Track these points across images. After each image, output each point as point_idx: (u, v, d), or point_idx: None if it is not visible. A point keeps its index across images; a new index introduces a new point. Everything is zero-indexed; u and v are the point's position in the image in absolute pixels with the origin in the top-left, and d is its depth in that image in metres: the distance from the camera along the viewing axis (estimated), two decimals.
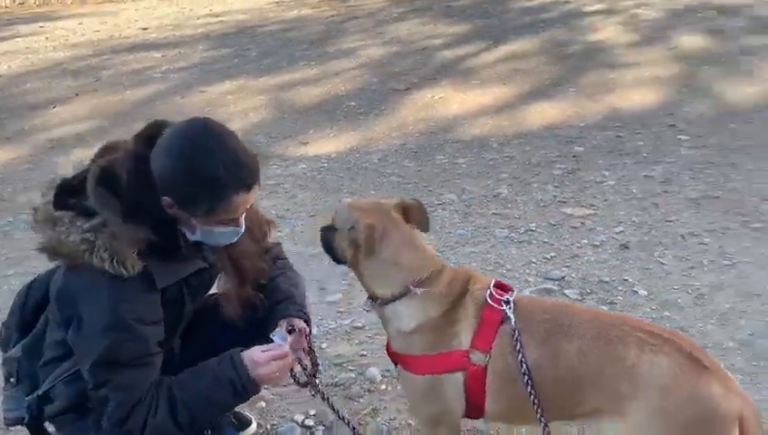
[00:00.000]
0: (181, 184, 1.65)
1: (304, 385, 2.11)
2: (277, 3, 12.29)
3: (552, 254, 3.70)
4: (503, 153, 5.31)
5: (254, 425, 2.42)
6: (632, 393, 1.57)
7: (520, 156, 5.22)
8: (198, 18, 11.71)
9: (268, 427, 2.45)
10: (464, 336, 1.77)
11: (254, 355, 1.77)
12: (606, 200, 4.35)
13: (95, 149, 1.80)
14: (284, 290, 2.09)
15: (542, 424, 1.71)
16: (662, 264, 3.53)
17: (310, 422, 2.46)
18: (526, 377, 1.67)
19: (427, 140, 5.73)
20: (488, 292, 1.79)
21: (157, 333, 1.73)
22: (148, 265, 1.68)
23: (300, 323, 2.01)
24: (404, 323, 1.83)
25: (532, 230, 4.00)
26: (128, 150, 1.70)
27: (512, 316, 1.72)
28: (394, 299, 1.83)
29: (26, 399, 1.85)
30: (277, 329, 1.95)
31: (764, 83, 6.35)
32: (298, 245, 3.89)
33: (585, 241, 3.82)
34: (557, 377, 1.69)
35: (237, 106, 6.88)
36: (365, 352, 2.88)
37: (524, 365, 1.67)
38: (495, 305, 1.76)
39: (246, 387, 1.75)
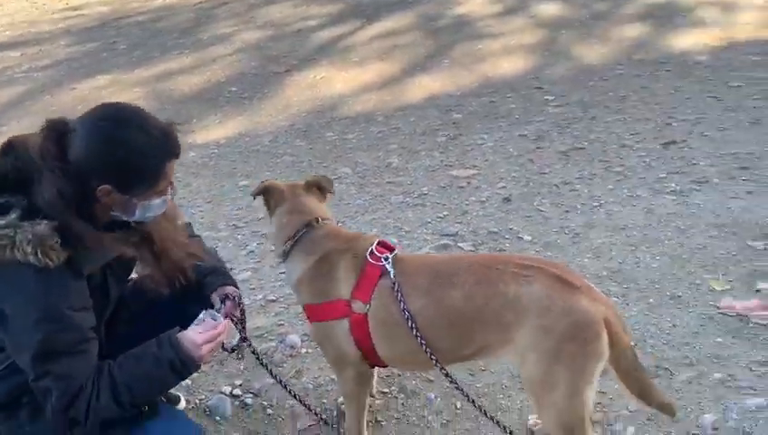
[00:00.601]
0: (120, 168, 1.69)
1: (232, 351, 2.20)
2: None
3: (445, 213, 3.98)
4: (389, 125, 5.54)
5: (182, 402, 2.47)
6: (517, 320, 1.82)
7: (405, 127, 5.47)
8: (55, 13, 10.97)
9: (197, 401, 2.51)
10: (344, 288, 2.01)
11: (192, 335, 1.81)
12: (487, 160, 4.69)
13: None
14: (207, 264, 2.15)
15: (435, 361, 1.94)
16: (541, 211, 3.91)
17: (238, 392, 2.55)
18: (410, 322, 1.90)
19: (315, 118, 5.85)
20: (370, 250, 2.03)
21: (89, 320, 1.74)
22: (72, 252, 1.68)
23: (231, 290, 2.11)
24: (289, 277, 2.18)
25: (425, 194, 4.26)
26: (46, 154, 1.65)
27: (391, 270, 1.96)
28: (283, 256, 2.14)
29: None
30: (206, 311, 1.93)
31: (615, 44, 7.00)
32: (200, 230, 3.90)
33: (473, 198, 4.13)
34: (446, 321, 1.92)
35: (113, 100, 6.60)
36: (282, 322, 3.00)
37: (407, 312, 1.90)
38: (375, 262, 2.00)
39: (187, 365, 1.78)
